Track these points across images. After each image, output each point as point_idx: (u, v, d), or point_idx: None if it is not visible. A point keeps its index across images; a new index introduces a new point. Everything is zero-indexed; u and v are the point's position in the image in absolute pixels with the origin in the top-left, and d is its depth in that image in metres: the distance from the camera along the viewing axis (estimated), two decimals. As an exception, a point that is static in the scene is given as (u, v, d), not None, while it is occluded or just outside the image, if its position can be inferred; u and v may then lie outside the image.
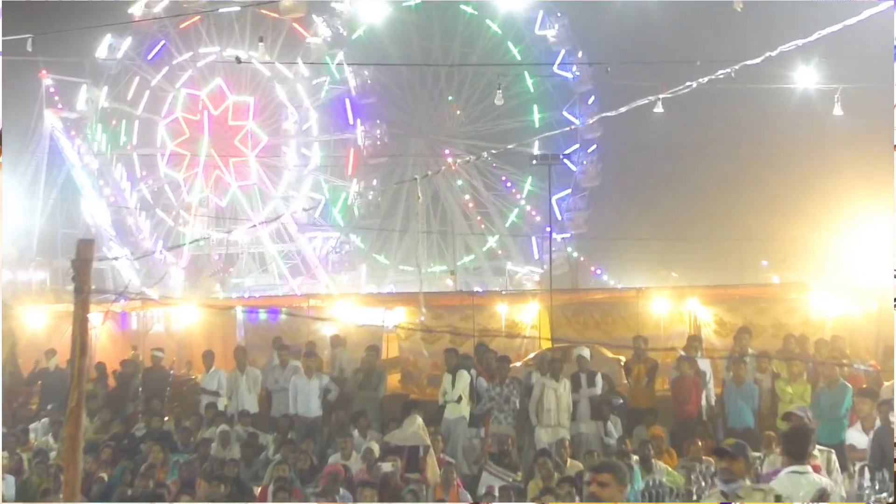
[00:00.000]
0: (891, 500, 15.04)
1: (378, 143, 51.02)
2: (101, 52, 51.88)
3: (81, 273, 7.97)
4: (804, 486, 16.36)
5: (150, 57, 53.76)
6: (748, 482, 13.99)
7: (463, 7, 51.14)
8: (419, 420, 26.75)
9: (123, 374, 33.45)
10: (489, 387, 29.12)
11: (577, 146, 49.47)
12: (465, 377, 29.37)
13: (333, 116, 53.45)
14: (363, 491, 21.90)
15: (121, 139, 53.19)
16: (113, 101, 52.71)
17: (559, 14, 50.72)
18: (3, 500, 23.55)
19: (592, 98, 47.86)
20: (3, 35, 33.04)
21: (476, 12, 51.37)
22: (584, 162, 50.80)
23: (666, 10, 38.45)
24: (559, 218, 48.79)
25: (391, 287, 51.08)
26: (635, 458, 23.25)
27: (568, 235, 50.45)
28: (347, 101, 50.86)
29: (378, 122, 51.66)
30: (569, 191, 52.98)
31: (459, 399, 29.07)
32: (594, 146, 50.91)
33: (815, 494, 16.62)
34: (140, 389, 33.03)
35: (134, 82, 53.20)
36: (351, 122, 51.41)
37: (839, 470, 20.87)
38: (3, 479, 24.47)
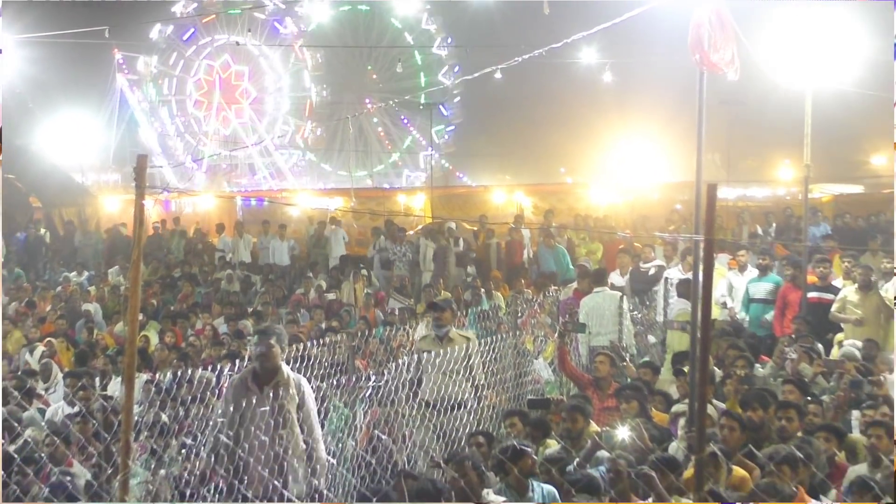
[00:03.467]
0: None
1: (323, 97, 50.77)
2: (154, 34, 51.31)
3: (139, 175, 7.86)
4: (608, 297, 16.76)
5: (185, 38, 52.94)
6: (454, 328, 13.58)
7: (392, 20, 50.61)
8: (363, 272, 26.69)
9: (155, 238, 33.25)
10: (393, 247, 29.20)
11: (443, 126, 49.31)
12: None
13: (296, 82, 53.13)
14: (314, 311, 21.94)
15: (164, 91, 52.63)
16: (160, 67, 52.03)
17: (447, 36, 50.45)
18: (97, 316, 23.43)
19: (458, 97, 47.74)
20: (86, 26, 32.90)
21: (400, 26, 50.93)
22: (446, 136, 50.80)
23: (504, 10, 38.54)
24: (437, 140, 48.93)
25: (332, 185, 51.01)
26: (483, 290, 23.29)
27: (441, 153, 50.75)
28: (305, 71, 50.43)
29: (324, 85, 51.39)
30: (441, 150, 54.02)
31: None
32: (453, 127, 50.83)
33: (618, 299, 16.86)
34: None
35: (174, 55, 52.49)
36: (307, 85, 50.97)
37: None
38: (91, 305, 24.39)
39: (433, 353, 12.34)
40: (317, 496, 9.07)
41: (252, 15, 50.99)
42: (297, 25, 51.01)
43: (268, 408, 8.84)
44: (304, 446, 8.95)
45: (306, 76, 51.09)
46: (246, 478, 8.75)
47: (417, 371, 12.44)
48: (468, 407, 12.44)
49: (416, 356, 12.76)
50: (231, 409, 9.08)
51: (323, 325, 19.63)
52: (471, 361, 12.65)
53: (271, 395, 8.91)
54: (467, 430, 12.05)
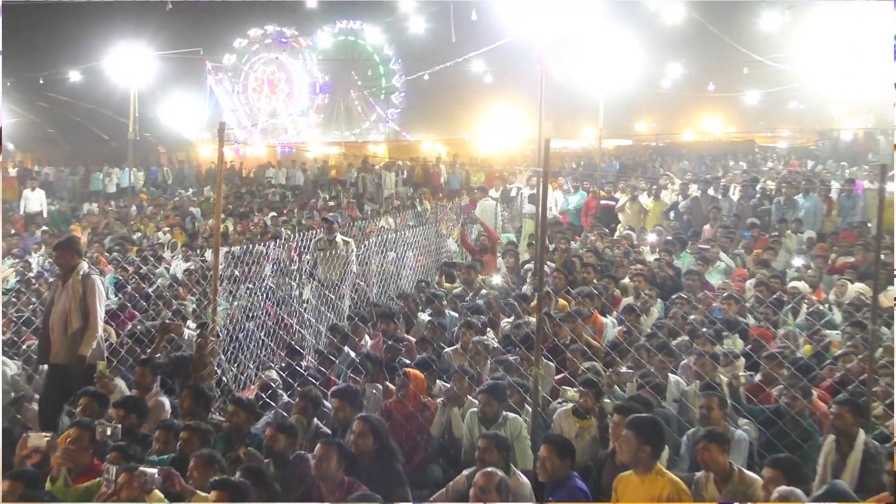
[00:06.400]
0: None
1: (326, 99, 49.16)
2: (225, 60, 49.30)
3: (221, 134, 7.64)
4: (489, 204, 16.59)
5: (282, 40, 50.15)
6: (339, 235, 11.23)
7: (367, 46, 48.61)
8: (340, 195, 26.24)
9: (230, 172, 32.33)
10: (362, 175, 28.64)
11: (392, 109, 47.78)
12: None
13: (311, 87, 51.16)
14: (322, 212, 21.49)
15: (236, 88, 50.66)
16: (233, 79, 49.83)
17: (398, 57, 48.68)
18: (198, 215, 22.86)
19: (403, 94, 46.62)
20: (190, 47, 32.45)
21: (371, 49, 48.84)
22: (395, 118, 49.10)
23: (431, 38, 37.79)
24: (391, 117, 47.78)
25: (331, 139, 49.88)
26: (417, 199, 22.98)
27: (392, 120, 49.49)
28: (317, 84, 48.83)
29: (327, 89, 49.84)
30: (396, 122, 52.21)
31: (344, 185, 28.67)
32: (400, 110, 49.17)
33: (495, 205, 16.76)
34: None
35: (241, 71, 50.34)
36: (317, 91, 49.45)
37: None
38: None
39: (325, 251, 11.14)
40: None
41: (281, 41, 49.34)
42: (308, 43, 49.50)
43: (62, 297, 7.72)
44: (81, 325, 7.64)
45: (316, 70, 49.66)
46: (48, 347, 7.78)
47: (314, 261, 11.17)
48: (348, 286, 11.18)
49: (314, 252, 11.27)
50: (47, 297, 8.31)
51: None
52: (349, 258, 11.19)
53: (66, 289, 7.76)
54: (351, 300, 11.14)
